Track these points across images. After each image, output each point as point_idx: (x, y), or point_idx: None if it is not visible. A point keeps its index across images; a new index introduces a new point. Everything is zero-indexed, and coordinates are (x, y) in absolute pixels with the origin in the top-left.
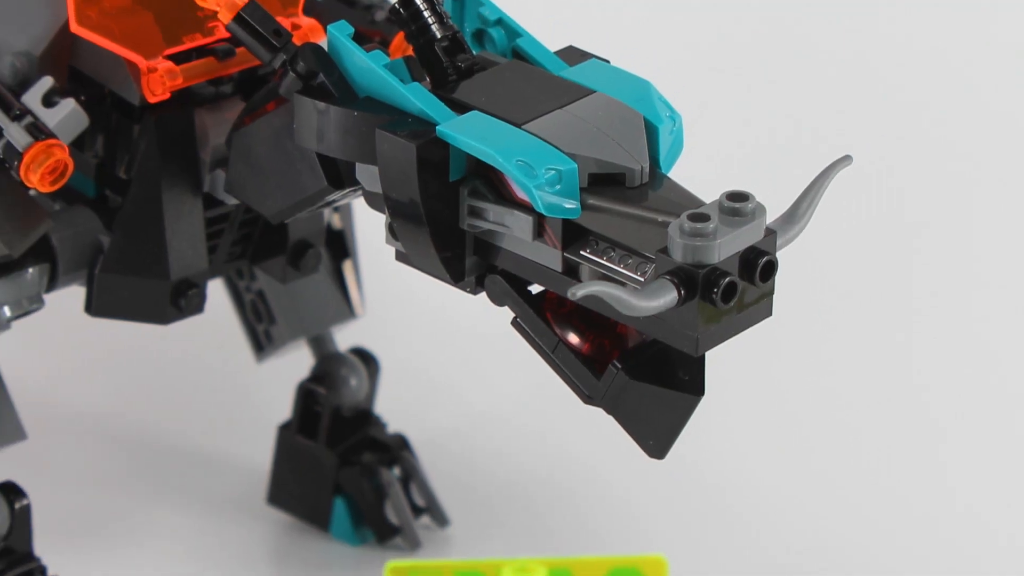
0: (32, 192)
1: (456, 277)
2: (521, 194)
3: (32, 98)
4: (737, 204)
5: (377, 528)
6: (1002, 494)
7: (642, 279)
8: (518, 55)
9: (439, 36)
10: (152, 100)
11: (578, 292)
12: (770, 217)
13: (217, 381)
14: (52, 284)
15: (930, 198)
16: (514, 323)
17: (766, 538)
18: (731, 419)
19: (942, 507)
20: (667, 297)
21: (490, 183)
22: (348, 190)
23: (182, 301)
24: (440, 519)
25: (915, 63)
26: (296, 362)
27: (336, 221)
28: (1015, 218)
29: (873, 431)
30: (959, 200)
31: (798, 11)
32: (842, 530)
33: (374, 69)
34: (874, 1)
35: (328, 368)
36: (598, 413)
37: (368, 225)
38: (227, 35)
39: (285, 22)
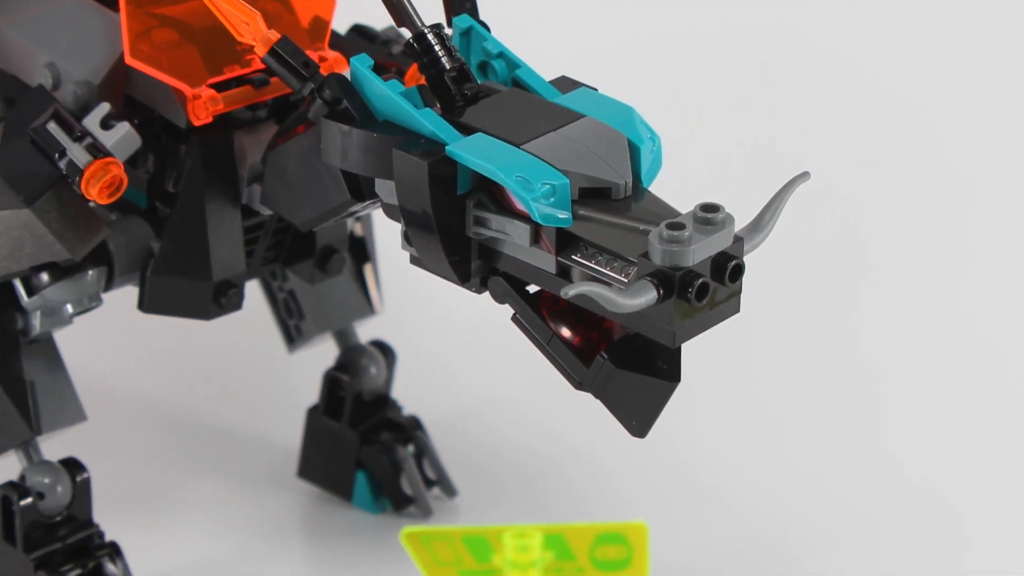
0: (92, 204)
1: (463, 278)
2: (520, 206)
3: (92, 121)
4: (709, 214)
5: (394, 498)
6: (948, 467)
7: (626, 280)
8: (517, 84)
9: (448, 67)
10: (197, 123)
11: (570, 291)
12: (738, 226)
13: (253, 370)
14: (109, 285)
15: (882, 209)
16: (514, 319)
17: (734, 506)
18: (704, 403)
19: (892, 480)
20: (648, 296)
21: (493, 196)
22: (368, 202)
23: (223, 299)
24: (449, 490)
25: (876, 82)
26: (322, 353)
27: (358, 229)
28: (965, 213)
29: (828, 413)
30: (910, 208)
31: (765, 41)
32: (801, 498)
33: (391, 96)
34: (838, 24)
35: (351, 358)
36: (587, 398)
37: (386, 233)
38: (262, 66)
39: (313, 55)
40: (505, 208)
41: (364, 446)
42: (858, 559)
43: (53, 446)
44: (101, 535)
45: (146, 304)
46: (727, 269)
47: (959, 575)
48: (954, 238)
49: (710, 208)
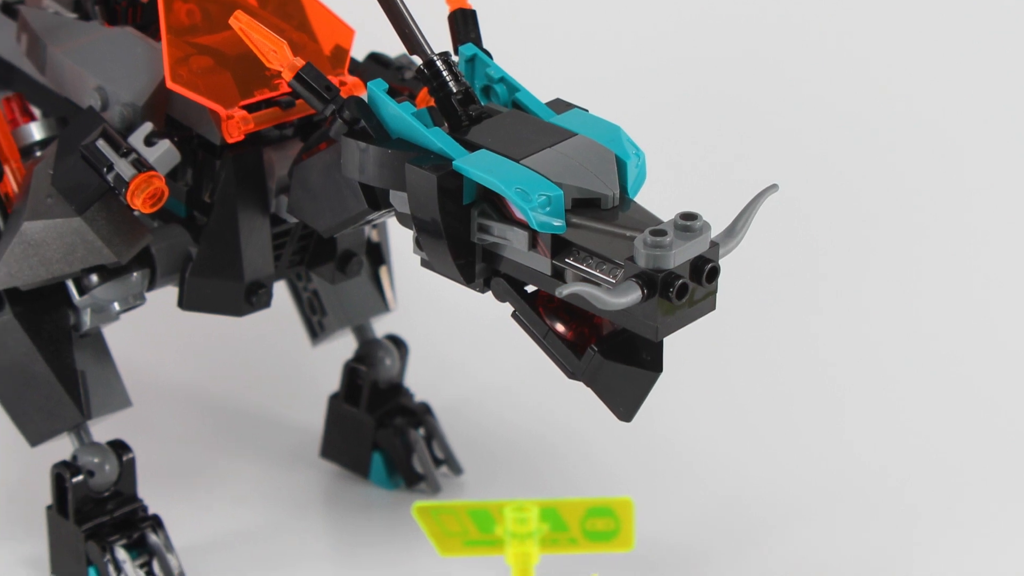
0: (136, 213)
1: (468, 279)
2: (519, 215)
3: (136, 139)
4: (688, 222)
5: (406, 476)
6: (895, 448)
7: (614, 281)
8: (517, 105)
9: (455, 91)
10: (230, 141)
11: (564, 291)
12: (714, 232)
13: (280, 361)
14: (152, 285)
15: (838, 218)
16: (513, 315)
17: (709, 482)
18: (683, 391)
19: (846, 459)
20: (633, 295)
21: (495, 206)
22: (383, 211)
23: (254, 298)
24: (455, 469)
25: (834, 104)
26: (342, 346)
27: (374, 235)
28: (912, 221)
29: (792, 401)
30: (863, 218)
31: (737, 69)
32: (767, 475)
33: (404, 116)
34: (807, 48)
35: (368, 351)
36: (579, 386)
37: (399, 239)
38: (289, 90)
39: (334, 79)
40: (506, 217)
41: (380, 429)
42: (817, 528)
43: (102, 429)
44: (145, 509)
45: (185, 302)
46: (704, 271)
47: (906, 543)
48: (903, 244)
49: (689, 216)
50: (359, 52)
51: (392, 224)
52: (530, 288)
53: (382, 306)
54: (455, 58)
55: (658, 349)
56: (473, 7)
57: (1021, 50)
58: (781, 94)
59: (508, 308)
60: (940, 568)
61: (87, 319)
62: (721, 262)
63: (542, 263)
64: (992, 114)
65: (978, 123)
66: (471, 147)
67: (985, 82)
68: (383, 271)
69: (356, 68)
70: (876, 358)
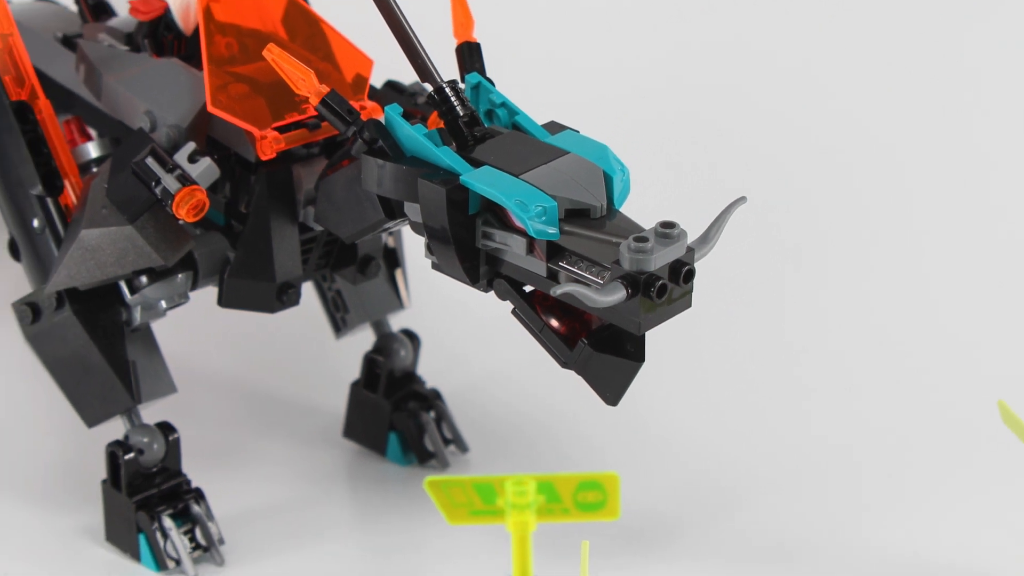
0: (181, 222)
1: (473, 280)
2: (518, 223)
3: (181, 157)
4: (667, 230)
5: (419, 453)
6: (849, 425)
7: (601, 282)
8: (516, 127)
9: (462, 114)
10: (264, 158)
11: (557, 291)
12: (690, 239)
13: (307, 352)
14: (194, 285)
15: (800, 225)
16: (513, 312)
17: (685, 459)
18: (663, 378)
19: (806, 437)
20: (619, 294)
21: (497, 215)
22: (399, 220)
23: (284, 297)
24: (462, 447)
25: (797, 125)
26: (362, 339)
27: (390, 241)
28: (866, 226)
29: (758, 386)
30: (820, 225)
31: (712, 95)
32: (737, 452)
33: (417, 137)
34: (775, 73)
35: (385, 343)
36: (571, 374)
37: (412, 244)
38: (315, 114)
39: (355, 104)
40: (507, 225)
41: (395, 412)
42: (779, 497)
43: (150, 412)
44: (188, 482)
45: (223, 300)
46: (681, 273)
47: (856, 509)
48: (856, 249)
49: (668, 225)
50: (377, 80)
51: (406, 232)
52: (528, 288)
53: (397, 304)
54: (462, 85)
55: (640, 342)
56: (478, 40)
57: (961, 64)
58: (750, 116)
59: (508, 306)
60: (887, 531)
61: (137, 315)
62: (696, 265)
63: (539, 266)
64: (942, 130)
65: (925, 145)
66: (476, 164)
67: (935, 101)
68: (398, 273)
69: (374, 94)
70: (832, 350)
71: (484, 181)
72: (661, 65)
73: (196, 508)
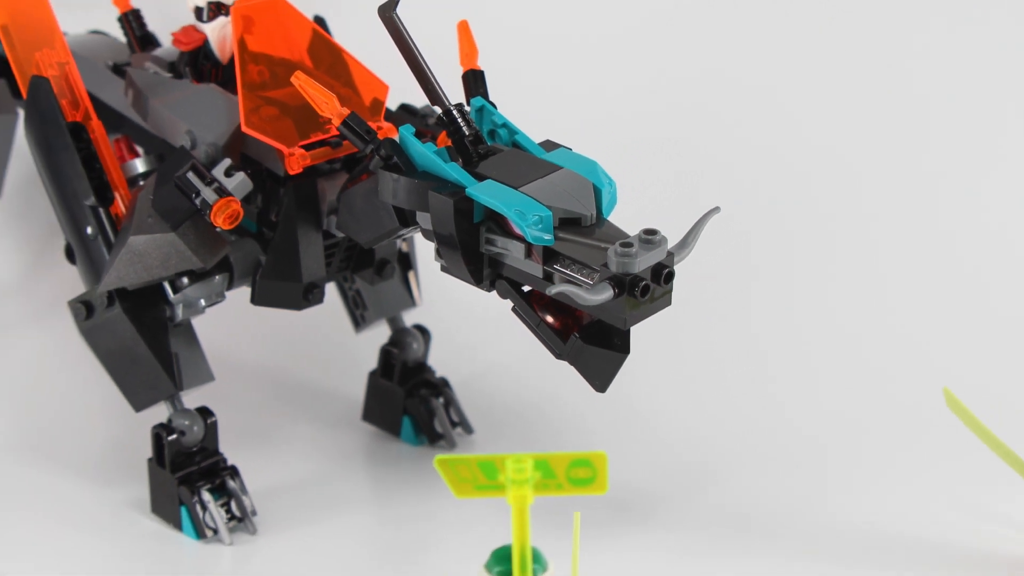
0: (218, 229)
1: (478, 281)
2: (517, 231)
3: (218, 171)
4: (650, 236)
5: (429, 435)
6: (813, 409)
7: (591, 282)
8: (516, 145)
9: (467, 134)
10: (291, 173)
11: (552, 291)
12: (670, 244)
13: (330, 345)
14: (230, 285)
15: (766, 232)
16: (513, 310)
17: (666, 439)
18: (646, 368)
19: (774, 419)
20: (606, 294)
21: (499, 224)
22: (411, 228)
23: (310, 296)
24: (468, 429)
25: (762, 145)
26: (379, 333)
27: (404, 246)
28: (828, 234)
29: (730, 373)
30: (785, 232)
31: (686, 117)
32: (711, 432)
33: (427, 154)
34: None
35: (399, 337)
36: (564, 365)
37: (424, 249)
38: (337, 133)
39: (373, 125)
40: (507, 232)
41: (408, 398)
42: (750, 472)
43: (191, 398)
44: (224, 460)
45: (256, 299)
46: (662, 275)
47: (820, 482)
48: (818, 251)
49: (651, 232)
50: (392, 103)
51: (418, 238)
52: (526, 288)
53: (410, 302)
54: (467, 108)
55: (626, 336)
56: (481, 68)
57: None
58: (722, 137)
59: (509, 304)
60: (846, 504)
61: (179, 312)
62: (675, 268)
63: (536, 268)
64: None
65: (878, 164)
66: (480, 178)
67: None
68: (411, 275)
69: (390, 116)
70: (797, 345)
71: (487, 193)
72: (643, 92)
73: (231, 483)
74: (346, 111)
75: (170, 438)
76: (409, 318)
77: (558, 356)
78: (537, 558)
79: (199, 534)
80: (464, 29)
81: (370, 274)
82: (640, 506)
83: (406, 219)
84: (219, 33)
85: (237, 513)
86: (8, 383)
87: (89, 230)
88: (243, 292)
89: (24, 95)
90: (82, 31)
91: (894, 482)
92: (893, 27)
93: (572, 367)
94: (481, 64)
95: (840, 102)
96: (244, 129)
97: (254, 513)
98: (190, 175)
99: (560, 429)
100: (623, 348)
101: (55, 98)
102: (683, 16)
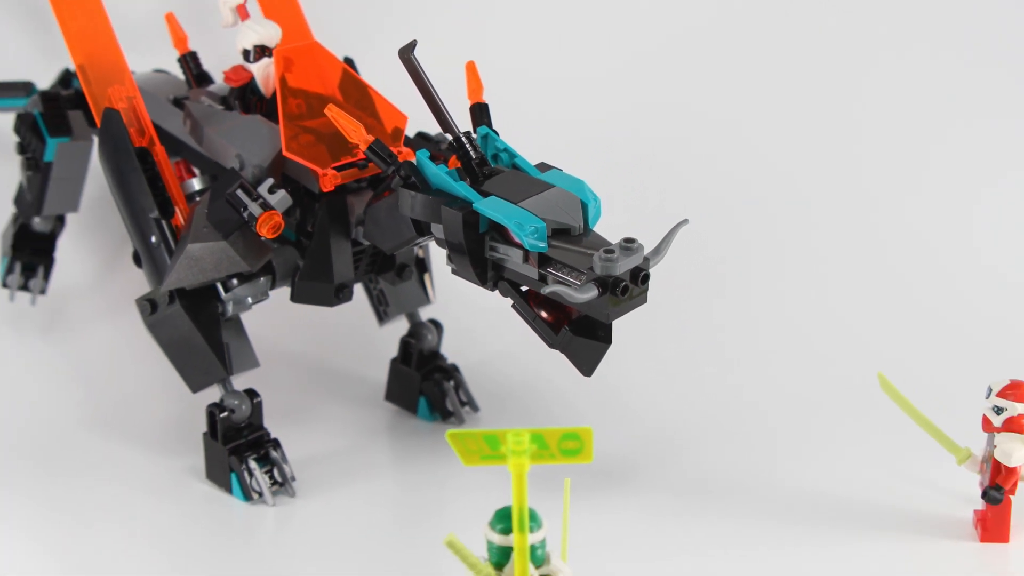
0: (262, 238)
1: (483, 282)
2: (516, 239)
3: (263, 189)
4: (629, 244)
5: (442, 412)
6: (767, 390)
7: (579, 283)
8: (515, 167)
9: (474, 157)
10: (325, 190)
11: (546, 290)
12: (646, 250)
13: (357, 336)
14: (273, 286)
15: (730, 241)
16: (513, 306)
17: (642, 415)
18: (626, 355)
19: (734, 401)
20: (592, 293)
21: (500, 233)
22: (426, 237)
23: (340, 294)
24: (474, 408)
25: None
26: (399, 327)
27: (420, 252)
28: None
29: (697, 358)
30: (744, 242)
31: (662, 143)
32: (680, 410)
33: (440, 174)
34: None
35: (416, 329)
36: (556, 353)
37: (437, 255)
38: (364, 156)
39: (394, 149)
40: (508, 240)
41: (424, 382)
42: (712, 444)
43: (239, 381)
44: (268, 434)
45: (295, 297)
46: (639, 277)
47: (771, 452)
48: (771, 256)
49: (630, 240)
50: (410, 131)
51: (432, 245)
52: (524, 288)
53: (426, 300)
54: (474, 135)
55: (609, 328)
56: (486, 101)
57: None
58: (691, 160)
59: (509, 301)
60: (795, 471)
61: (230, 308)
62: (651, 270)
63: (532, 271)
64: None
65: (822, 181)
66: (485, 194)
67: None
68: (426, 277)
69: (408, 142)
70: (753, 335)
71: (491, 208)
72: (623, 121)
73: (274, 453)
74: (371, 138)
75: (222, 415)
76: (425, 313)
77: (551, 345)
78: (533, 517)
79: (246, 497)
80: (471, 69)
81: (392, 276)
82: (620, 473)
83: (422, 229)
84: (263, 72)
85: (279, 479)
86: (86, 369)
87: (153, 239)
88: (283, 291)
89: (98, 124)
90: (147, 70)
91: (836, 452)
92: (834, 75)
93: (563, 355)
94: (485, 98)
95: (790, 133)
96: (285, 153)
97: (293, 479)
98: (239, 192)
99: (552, 408)
100: (606, 339)
101: (125, 127)
102: (656, 60)
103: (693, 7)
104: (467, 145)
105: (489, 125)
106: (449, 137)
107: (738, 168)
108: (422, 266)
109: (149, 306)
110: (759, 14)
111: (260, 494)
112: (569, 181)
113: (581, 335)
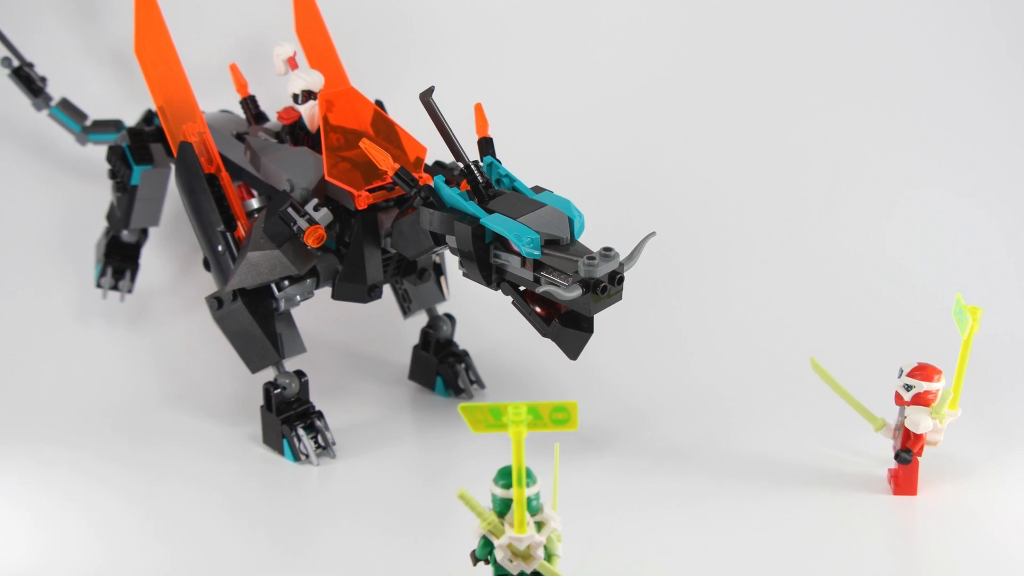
0: (309, 247)
1: (488, 283)
2: (515, 248)
3: (309, 207)
4: (607, 252)
5: (455, 389)
6: (732, 378)
7: (567, 284)
8: (515, 189)
9: (481, 182)
10: (359, 208)
11: (539, 290)
12: (621, 257)
13: (385, 327)
14: (317, 286)
15: (693, 247)
16: (513, 303)
17: (619, 392)
18: (604, 343)
19: (691, 379)
20: (577, 292)
21: (503, 243)
22: (443, 246)
23: (372, 293)
24: (481, 386)
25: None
26: (420, 319)
27: (437, 259)
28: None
29: (671, 343)
30: (707, 247)
31: (643, 165)
32: (648, 390)
33: (453, 195)
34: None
35: (434, 322)
36: (548, 341)
37: (452, 261)
38: (391, 181)
39: (416, 175)
40: (508, 249)
41: (440, 364)
42: (676, 419)
43: (290, 363)
44: (313, 407)
45: (335, 295)
46: (616, 278)
47: (725, 424)
48: (722, 261)
49: (608, 249)
50: (429, 159)
51: (447, 253)
52: (522, 288)
53: (442, 297)
54: (481, 164)
55: (591, 320)
56: (491, 136)
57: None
58: (660, 183)
59: (510, 299)
60: (745, 439)
61: (282, 305)
62: (626, 274)
63: (528, 274)
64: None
65: (767, 196)
66: (490, 212)
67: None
68: (442, 279)
69: (427, 168)
70: (709, 327)
71: (495, 222)
72: (604, 151)
73: (318, 423)
74: (397, 165)
75: (275, 392)
76: (441, 308)
77: (544, 335)
78: (529, 475)
79: (296, 458)
80: (479, 110)
81: (414, 278)
82: (600, 439)
83: (439, 240)
84: (309, 112)
85: (322, 444)
86: (165, 354)
87: (220, 248)
88: (326, 290)
89: (175, 155)
90: (215, 110)
91: (778, 423)
92: (774, 114)
93: (553, 342)
94: (490, 133)
95: (738, 161)
96: (327, 178)
97: (334, 443)
98: (290, 210)
99: (544, 385)
100: (589, 329)
101: (197, 157)
102: (629, 102)
103: (660, 61)
104: (475, 172)
105: (493, 155)
106: (461, 165)
107: (696, 189)
108: (439, 270)
109: (216, 303)
110: (713, 66)
111: (307, 456)
112: (559, 201)
113: (568, 326)
